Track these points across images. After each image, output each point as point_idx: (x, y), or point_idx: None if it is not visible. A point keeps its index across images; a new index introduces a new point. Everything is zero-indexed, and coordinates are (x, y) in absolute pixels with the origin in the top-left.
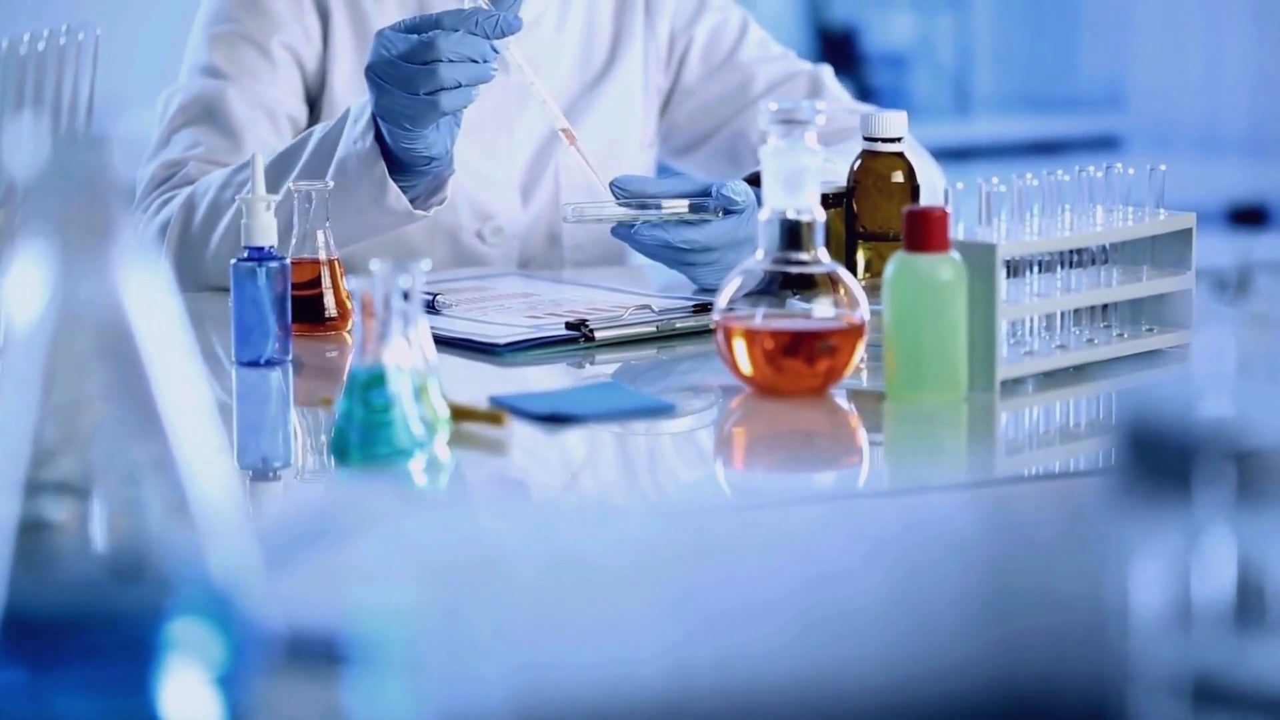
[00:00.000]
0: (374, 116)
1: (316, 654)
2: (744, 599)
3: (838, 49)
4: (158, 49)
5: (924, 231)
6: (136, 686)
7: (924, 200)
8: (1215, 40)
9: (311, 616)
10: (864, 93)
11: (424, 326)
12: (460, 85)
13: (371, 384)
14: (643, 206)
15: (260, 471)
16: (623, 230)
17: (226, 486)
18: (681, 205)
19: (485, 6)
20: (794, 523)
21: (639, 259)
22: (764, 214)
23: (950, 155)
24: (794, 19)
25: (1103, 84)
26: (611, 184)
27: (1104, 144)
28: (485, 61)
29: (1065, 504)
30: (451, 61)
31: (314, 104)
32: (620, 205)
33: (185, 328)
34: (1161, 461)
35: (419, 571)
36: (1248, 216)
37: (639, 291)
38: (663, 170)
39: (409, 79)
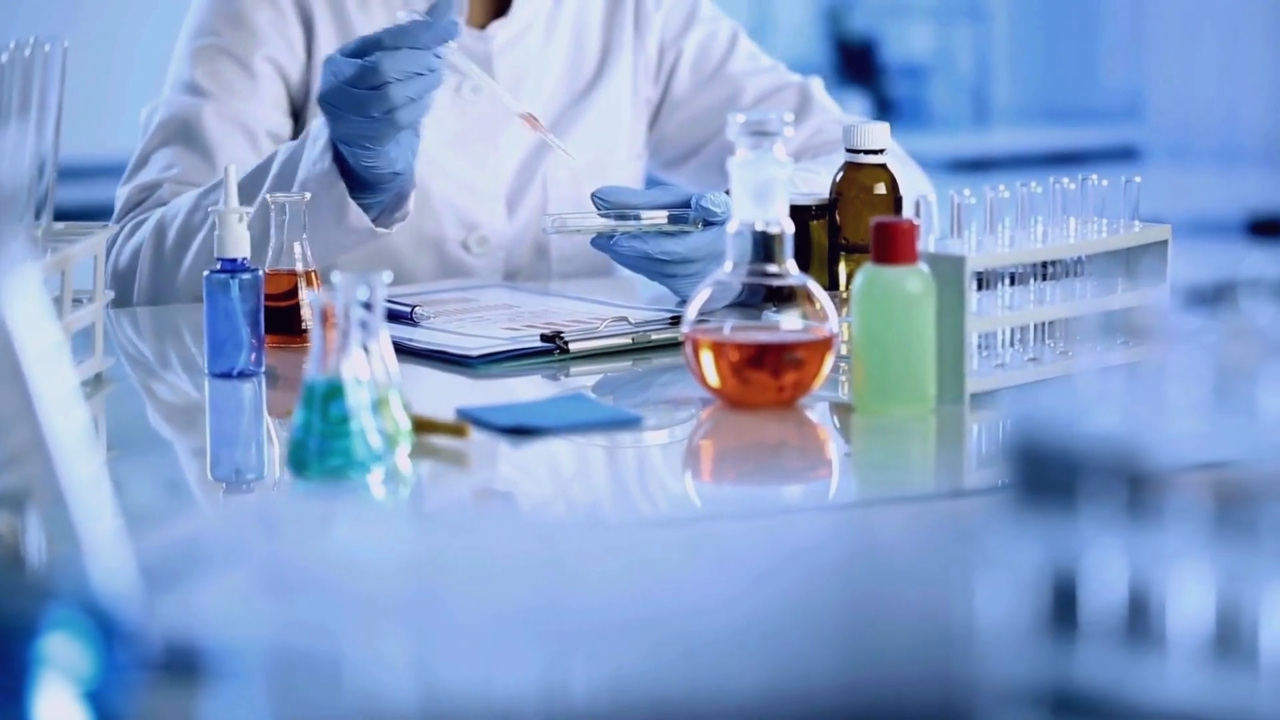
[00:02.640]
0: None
1: (189, 668)
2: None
3: (856, 60)
4: (136, 61)
5: (891, 243)
6: (10, 698)
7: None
8: (1234, 51)
9: (186, 631)
10: (882, 104)
11: (385, 338)
12: (412, 100)
13: (329, 396)
14: (622, 218)
15: (234, 483)
16: (602, 241)
17: (106, 504)
18: (661, 217)
19: (421, 18)
20: (722, 537)
21: (627, 271)
22: (733, 226)
23: (968, 166)
24: (813, 30)
25: (1121, 95)
26: (593, 195)
27: (1122, 155)
28: (432, 71)
29: (948, 524)
30: (399, 80)
31: (299, 114)
32: (601, 216)
33: (66, 345)
34: (1049, 478)
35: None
36: (1267, 228)
37: (619, 303)
38: (651, 182)
39: (362, 103)
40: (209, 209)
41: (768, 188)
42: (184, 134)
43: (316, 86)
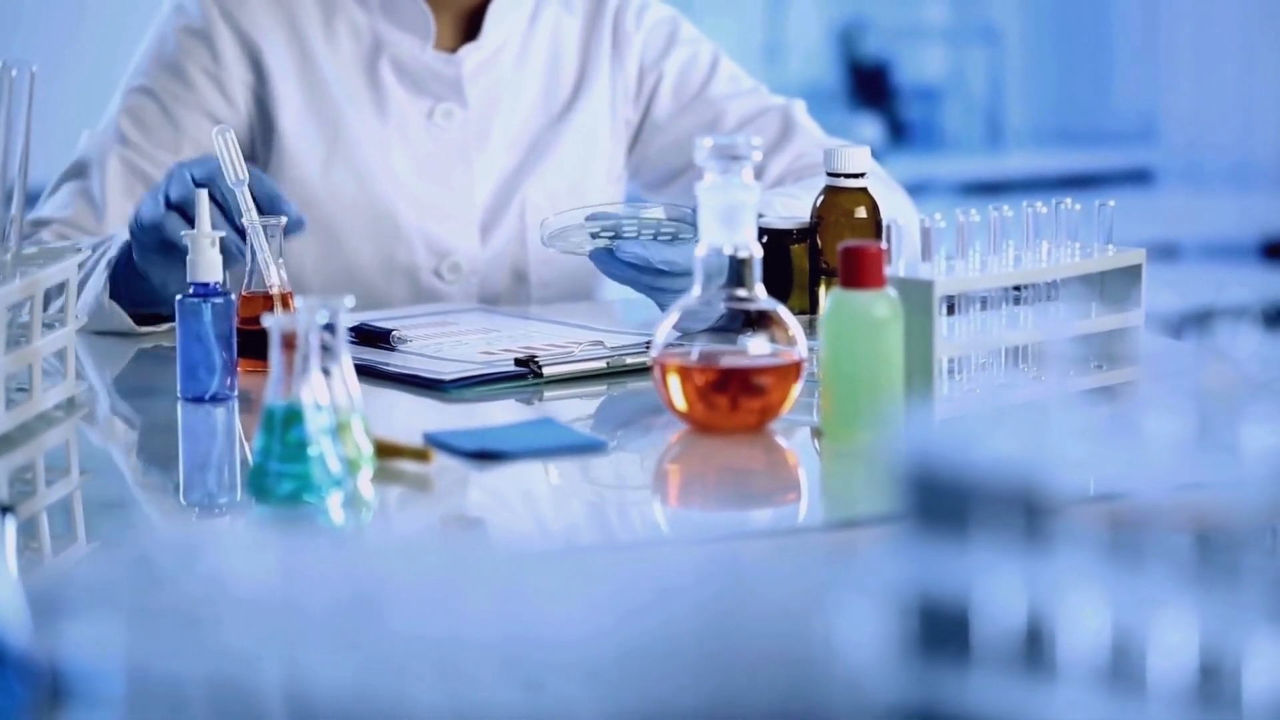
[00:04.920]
0: None
1: (73, 696)
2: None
3: (870, 83)
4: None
5: (859, 268)
6: None
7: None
8: (1248, 73)
9: (71, 660)
10: (895, 126)
11: (348, 362)
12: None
13: (288, 421)
14: (618, 235)
15: (206, 508)
16: (601, 252)
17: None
18: (658, 210)
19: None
20: (603, 565)
21: (607, 295)
22: (701, 250)
23: (982, 189)
24: (826, 53)
25: (1135, 117)
26: (586, 217)
27: (1136, 178)
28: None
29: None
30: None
31: (261, 143)
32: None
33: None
34: (942, 506)
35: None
36: None
37: (595, 327)
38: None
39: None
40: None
41: (736, 212)
42: (87, 177)
43: (280, 123)
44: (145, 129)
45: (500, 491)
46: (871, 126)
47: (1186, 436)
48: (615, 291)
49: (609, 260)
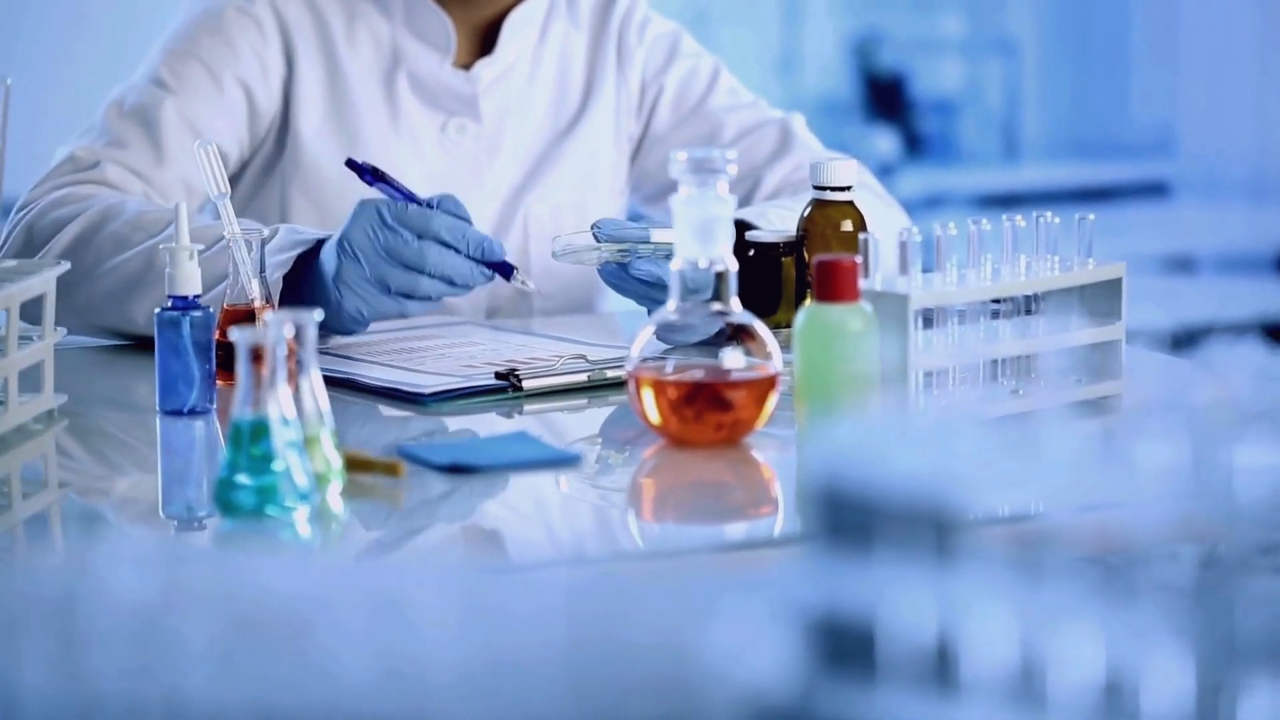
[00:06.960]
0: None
1: None
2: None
3: (886, 95)
4: (78, 100)
5: (833, 281)
6: None
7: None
8: (1266, 86)
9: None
10: (912, 139)
11: (317, 376)
12: (430, 299)
13: (255, 435)
14: (631, 249)
15: (184, 521)
16: (612, 268)
17: None
18: (669, 233)
19: (487, 241)
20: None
21: (607, 308)
22: (676, 264)
23: (998, 202)
24: (842, 66)
25: (1152, 130)
26: (593, 226)
27: (1153, 190)
28: (465, 287)
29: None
30: (433, 277)
31: (274, 141)
32: (607, 241)
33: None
34: (848, 522)
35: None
36: None
37: (582, 340)
38: (633, 217)
39: (386, 277)
40: (161, 246)
41: (712, 225)
42: (141, 119)
43: (298, 123)
44: (189, 84)
45: (472, 504)
46: (887, 139)
47: (1096, 457)
48: (615, 304)
49: (621, 276)
